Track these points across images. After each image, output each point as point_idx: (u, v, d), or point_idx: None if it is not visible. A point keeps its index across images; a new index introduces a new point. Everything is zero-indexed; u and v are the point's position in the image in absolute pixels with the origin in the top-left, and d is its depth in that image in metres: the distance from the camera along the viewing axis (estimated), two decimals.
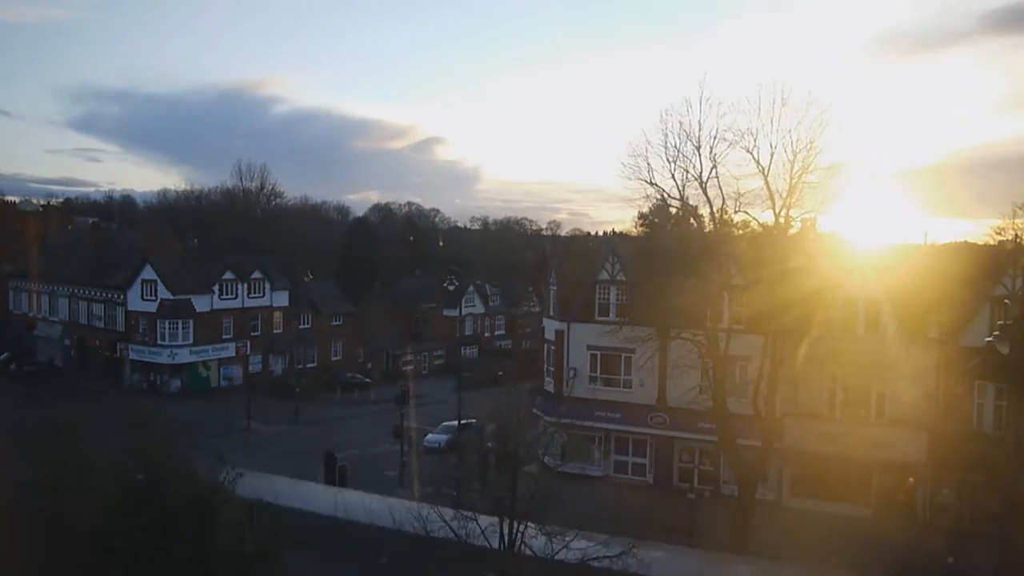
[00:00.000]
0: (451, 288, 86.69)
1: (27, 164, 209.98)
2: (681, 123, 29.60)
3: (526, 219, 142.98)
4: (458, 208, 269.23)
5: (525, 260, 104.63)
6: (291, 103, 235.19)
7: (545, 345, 43.75)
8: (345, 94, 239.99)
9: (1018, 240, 32.43)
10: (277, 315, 68.42)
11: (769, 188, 29.08)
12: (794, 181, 28.82)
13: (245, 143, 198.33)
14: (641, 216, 64.28)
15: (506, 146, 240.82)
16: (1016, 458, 22.23)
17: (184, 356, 61.16)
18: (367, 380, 69.50)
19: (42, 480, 17.81)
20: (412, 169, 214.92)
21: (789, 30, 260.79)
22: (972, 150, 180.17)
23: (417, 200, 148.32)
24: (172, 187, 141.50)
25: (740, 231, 34.08)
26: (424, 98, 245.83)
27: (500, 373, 67.35)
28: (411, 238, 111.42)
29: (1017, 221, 32.60)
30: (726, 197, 29.88)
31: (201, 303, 62.15)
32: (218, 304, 63.51)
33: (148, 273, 61.38)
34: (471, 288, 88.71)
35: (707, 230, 31.87)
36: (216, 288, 63.29)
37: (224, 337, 63.94)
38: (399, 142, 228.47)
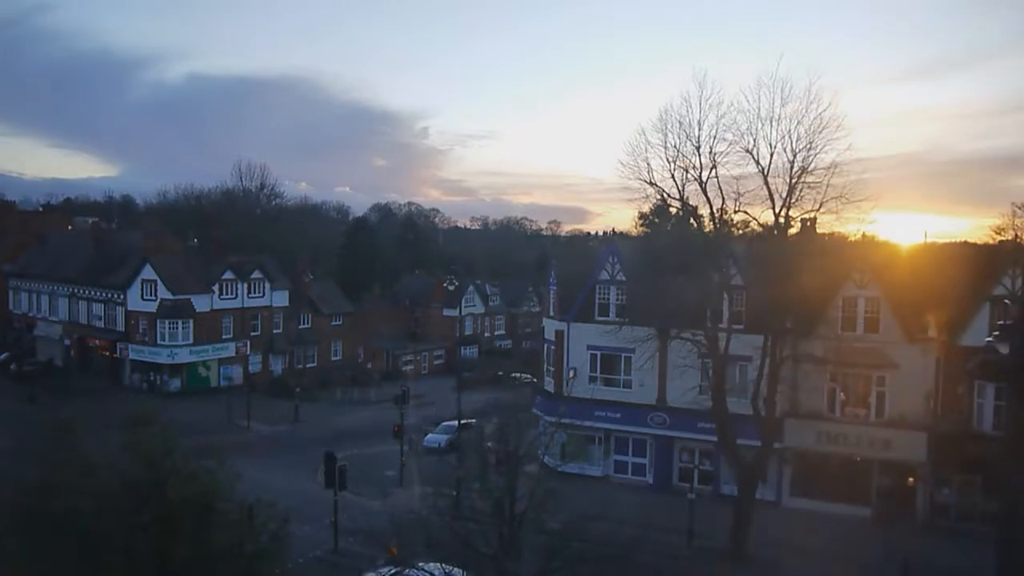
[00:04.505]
0: (451, 288, 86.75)
1: None
2: (681, 123, 29.70)
3: (526, 219, 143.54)
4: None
5: (525, 260, 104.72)
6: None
7: (545, 345, 43.72)
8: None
9: (1018, 240, 32.48)
10: (277, 315, 68.40)
11: (769, 188, 29.10)
12: (794, 181, 28.83)
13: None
14: (641, 216, 64.61)
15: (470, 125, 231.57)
16: (1016, 458, 22.18)
17: (184, 356, 61.12)
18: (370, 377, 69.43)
19: (42, 480, 17.78)
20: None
21: (789, 29, 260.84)
22: (973, 150, 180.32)
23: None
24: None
25: (740, 231, 34.09)
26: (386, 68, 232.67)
27: (500, 373, 67.36)
28: (411, 238, 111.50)
29: (1017, 221, 32.71)
30: (726, 197, 29.94)
31: (201, 303, 62.11)
32: (218, 304, 63.45)
33: (148, 273, 61.38)
34: (471, 288, 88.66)
35: (707, 230, 31.88)
36: (216, 288, 63.24)
37: (224, 337, 63.89)
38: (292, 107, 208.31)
